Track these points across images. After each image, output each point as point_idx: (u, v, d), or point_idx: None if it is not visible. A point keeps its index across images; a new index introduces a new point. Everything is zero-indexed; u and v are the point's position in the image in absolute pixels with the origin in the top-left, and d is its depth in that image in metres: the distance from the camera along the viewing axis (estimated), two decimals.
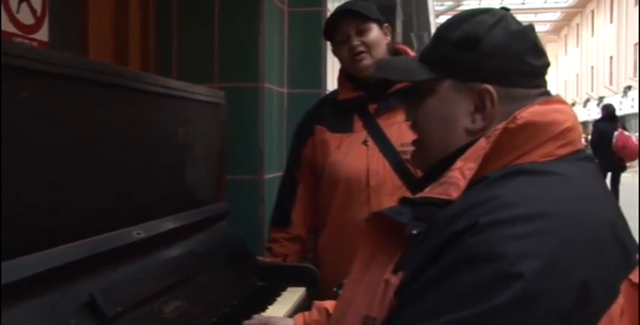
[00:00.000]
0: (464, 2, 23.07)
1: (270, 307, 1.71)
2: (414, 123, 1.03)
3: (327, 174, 2.04)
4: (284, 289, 1.87)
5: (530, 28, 0.97)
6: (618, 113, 30.23)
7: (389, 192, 1.95)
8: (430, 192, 0.89)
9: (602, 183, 0.91)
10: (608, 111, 8.91)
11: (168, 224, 1.56)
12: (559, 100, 0.93)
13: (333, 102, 2.11)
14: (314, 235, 2.16)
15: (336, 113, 2.08)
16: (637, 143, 8.74)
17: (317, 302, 1.31)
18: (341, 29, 2.00)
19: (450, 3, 20.64)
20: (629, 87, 28.58)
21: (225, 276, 1.74)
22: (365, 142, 2.00)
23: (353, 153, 2.00)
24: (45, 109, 1.17)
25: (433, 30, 10.19)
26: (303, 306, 1.81)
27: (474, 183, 0.86)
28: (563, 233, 0.75)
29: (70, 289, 1.16)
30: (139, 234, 1.40)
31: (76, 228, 1.25)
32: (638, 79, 26.88)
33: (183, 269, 1.53)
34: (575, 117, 0.92)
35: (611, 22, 32.26)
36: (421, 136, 1.01)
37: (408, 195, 1.89)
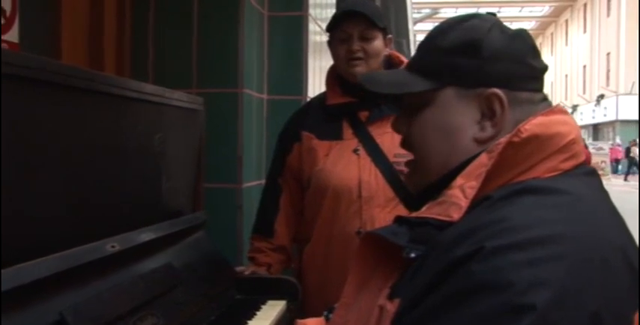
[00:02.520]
0: (441, 10, 23.25)
1: (249, 322, 1.64)
2: (406, 140, 0.96)
3: (315, 182, 1.97)
4: (263, 302, 1.80)
5: (525, 31, 0.93)
6: (591, 121, 30.73)
7: (381, 205, 1.89)
8: (428, 211, 0.83)
9: (608, 200, 0.86)
10: None
11: (144, 235, 1.49)
12: (561, 110, 0.88)
13: (321, 107, 2.03)
14: (297, 244, 2.10)
15: (324, 119, 2.00)
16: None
17: (299, 322, 1.25)
18: (345, 27, 1.92)
19: (427, 10, 20.76)
20: (601, 96, 29.01)
21: (203, 290, 1.67)
22: (356, 151, 1.93)
23: (343, 162, 1.93)
24: (12, 115, 1.09)
25: (412, 37, 10.20)
26: (283, 321, 1.75)
27: (476, 202, 0.80)
28: (575, 259, 0.70)
29: (38, 308, 1.08)
30: (113, 246, 1.32)
31: (45, 242, 1.17)
32: (610, 87, 27.30)
33: (159, 284, 1.45)
34: (578, 128, 0.87)
35: (585, 31, 32.77)
36: (420, 153, 0.94)
37: (401, 207, 1.86)
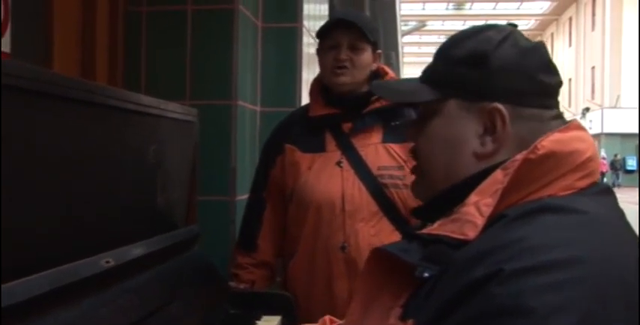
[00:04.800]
0: (428, 22, 23.39)
1: None
2: (414, 148, 0.96)
3: (298, 196, 1.94)
4: (258, 318, 1.77)
5: (541, 44, 0.90)
6: None
7: (365, 218, 1.87)
8: (441, 228, 0.81)
9: (624, 219, 0.84)
10: None
11: (138, 250, 1.45)
12: (578, 126, 0.86)
13: (303, 119, 2.01)
14: (282, 259, 2.07)
15: (307, 130, 1.98)
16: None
17: None
18: (335, 35, 1.90)
19: (414, 23, 20.87)
20: (587, 109, 29.25)
21: (198, 305, 1.64)
22: (339, 163, 1.90)
23: (326, 175, 1.90)
24: (4, 126, 1.05)
25: (400, 50, 10.24)
26: None
27: (492, 221, 0.78)
28: (598, 282, 0.68)
29: None
30: (108, 261, 1.29)
31: (38, 258, 1.13)
32: (596, 101, 27.54)
33: (153, 300, 1.42)
34: (594, 145, 0.85)
35: (570, 45, 33.08)
36: (423, 162, 0.93)
37: (385, 221, 1.84)
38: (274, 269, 2.09)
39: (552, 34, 36.50)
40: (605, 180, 25.12)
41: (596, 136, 28.54)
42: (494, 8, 32.58)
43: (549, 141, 0.80)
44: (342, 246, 1.86)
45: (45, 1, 1.99)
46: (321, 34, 1.94)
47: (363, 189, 1.88)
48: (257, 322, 1.74)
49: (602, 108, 27.49)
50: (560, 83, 0.90)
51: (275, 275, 2.11)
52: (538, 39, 38.65)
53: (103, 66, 2.28)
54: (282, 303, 1.85)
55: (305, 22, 2.73)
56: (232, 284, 1.95)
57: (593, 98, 29.01)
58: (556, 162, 0.80)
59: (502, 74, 0.85)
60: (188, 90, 2.34)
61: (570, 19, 33.07)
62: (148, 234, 1.56)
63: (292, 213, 1.98)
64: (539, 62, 0.88)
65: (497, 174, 0.81)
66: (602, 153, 26.49)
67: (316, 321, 1.20)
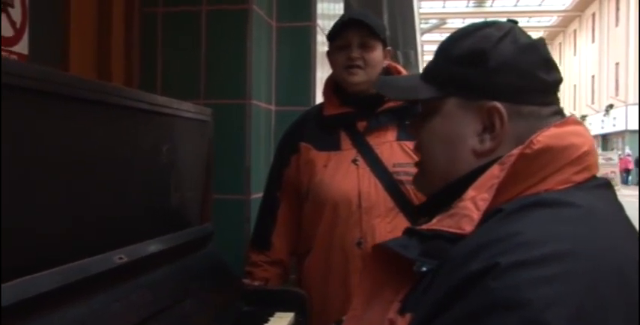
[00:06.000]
0: (448, 20, 23.27)
1: None
2: (417, 144, 0.97)
3: (314, 194, 1.96)
4: (271, 314, 1.79)
5: (540, 41, 0.90)
6: (600, 131, 30.67)
7: (381, 215, 1.88)
8: (439, 224, 0.82)
9: (622, 213, 0.84)
10: None
11: (151, 247, 1.48)
12: (575, 121, 0.86)
13: (317, 118, 2.03)
14: (296, 257, 2.09)
15: (321, 129, 2.00)
16: None
17: None
18: (346, 35, 1.93)
19: (435, 21, 20.77)
20: (610, 106, 28.91)
21: (211, 302, 1.66)
22: (355, 161, 1.92)
23: (342, 173, 1.92)
24: (20, 127, 1.08)
25: (419, 48, 10.21)
26: None
27: (488, 215, 0.79)
28: (593, 275, 0.68)
29: (44, 321, 1.06)
30: (121, 258, 1.31)
31: (52, 254, 1.16)
32: (620, 97, 27.20)
33: (167, 296, 1.44)
34: (592, 139, 0.86)
35: (593, 41, 32.70)
36: (425, 158, 0.95)
37: (401, 217, 1.86)
38: (288, 267, 2.11)
39: (575, 31, 36.11)
40: (630, 177, 24.83)
41: (621, 133, 28.22)
42: (515, 5, 32.31)
43: (545, 136, 0.81)
44: (358, 242, 1.88)
45: (62, 3, 2.03)
46: (332, 34, 1.96)
47: (379, 185, 1.89)
48: (270, 318, 1.76)
49: (626, 105, 27.14)
50: (559, 80, 0.90)
51: (289, 273, 2.13)
52: (560, 35, 38.34)
53: (119, 66, 2.32)
54: (296, 300, 1.86)
55: (319, 22, 2.75)
56: (246, 281, 1.97)
57: (617, 95, 28.66)
58: (552, 156, 0.80)
59: (500, 72, 0.86)
60: (203, 89, 2.37)
61: (593, 14, 32.69)
62: (163, 231, 1.59)
63: (308, 211, 2.00)
64: (537, 59, 0.88)
65: (494, 169, 0.82)
66: (627, 150, 26.16)
67: (331, 318, 1.22)
